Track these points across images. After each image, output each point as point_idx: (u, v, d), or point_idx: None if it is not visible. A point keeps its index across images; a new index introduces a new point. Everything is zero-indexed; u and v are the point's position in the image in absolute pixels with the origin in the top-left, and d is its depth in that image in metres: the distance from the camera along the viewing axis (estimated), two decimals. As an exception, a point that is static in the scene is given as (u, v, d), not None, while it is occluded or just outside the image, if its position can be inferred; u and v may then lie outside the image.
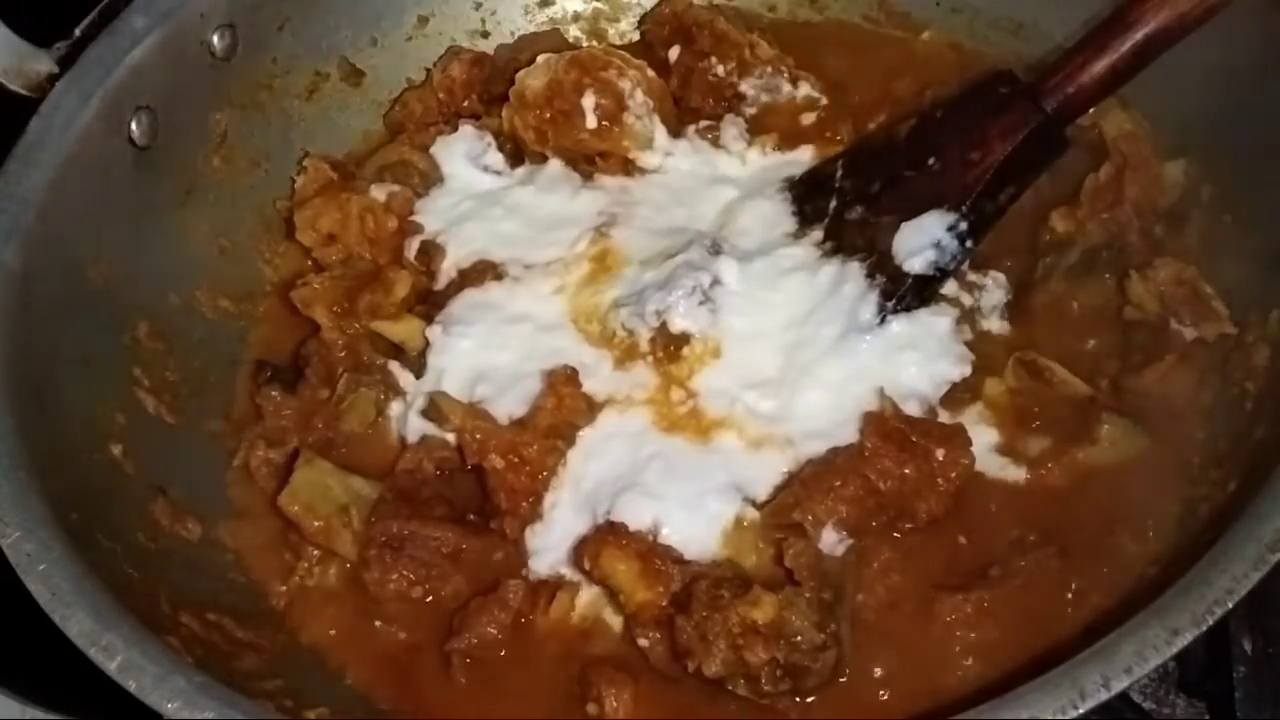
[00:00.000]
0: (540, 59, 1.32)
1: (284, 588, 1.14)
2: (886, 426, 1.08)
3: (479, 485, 1.15)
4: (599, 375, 1.18)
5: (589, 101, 1.31)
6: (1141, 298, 1.15)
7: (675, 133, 1.34)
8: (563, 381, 1.15)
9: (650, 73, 1.34)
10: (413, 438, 1.19)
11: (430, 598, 1.12)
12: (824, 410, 1.13)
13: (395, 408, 1.21)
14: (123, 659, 0.87)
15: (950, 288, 1.19)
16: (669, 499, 1.10)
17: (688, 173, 1.32)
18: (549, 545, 1.12)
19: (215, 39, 1.26)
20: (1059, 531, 1.07)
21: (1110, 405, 1.12)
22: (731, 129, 1.34)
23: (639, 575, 1.06)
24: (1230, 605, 0.83)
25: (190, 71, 1.25)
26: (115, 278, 1.18)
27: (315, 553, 1.14)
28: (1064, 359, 1.14)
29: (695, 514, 1.09)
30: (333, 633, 1.12)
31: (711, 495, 1.10)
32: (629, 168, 1.33)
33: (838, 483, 1.07)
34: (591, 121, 1.31)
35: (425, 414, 1.18)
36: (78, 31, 1.22)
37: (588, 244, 1.26)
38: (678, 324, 1.17)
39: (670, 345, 1.18)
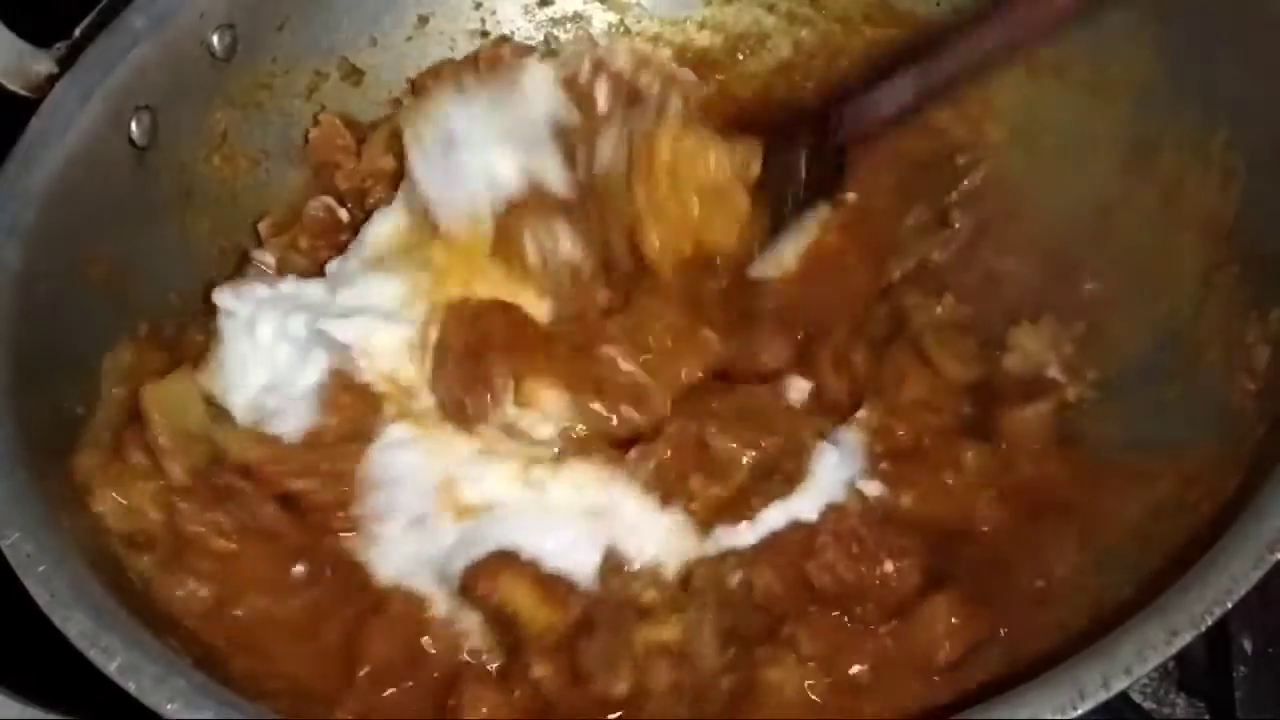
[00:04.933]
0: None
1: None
2: (844, 525, 1.06)
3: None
4: None
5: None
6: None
7: None
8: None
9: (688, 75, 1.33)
10: None
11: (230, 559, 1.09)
12: None
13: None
14: (122, 660, 0.87)
15: None
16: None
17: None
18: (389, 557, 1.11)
19: (215, 39, 1.26)
20: None
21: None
22: None
23: (541, 600, 1.04)
24: (1230, 605, 0.83)
25: (190, 71, 1.25)
26: (115, 278, 1.18)
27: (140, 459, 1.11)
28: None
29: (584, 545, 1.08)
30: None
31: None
32: None
33: (780, 560, 1.06)
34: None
35: None
36: (77, 32, 1.22)
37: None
38: None
39: None
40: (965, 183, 1.29)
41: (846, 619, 1.04)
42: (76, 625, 0.89)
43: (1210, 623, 0.82)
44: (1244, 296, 1.09)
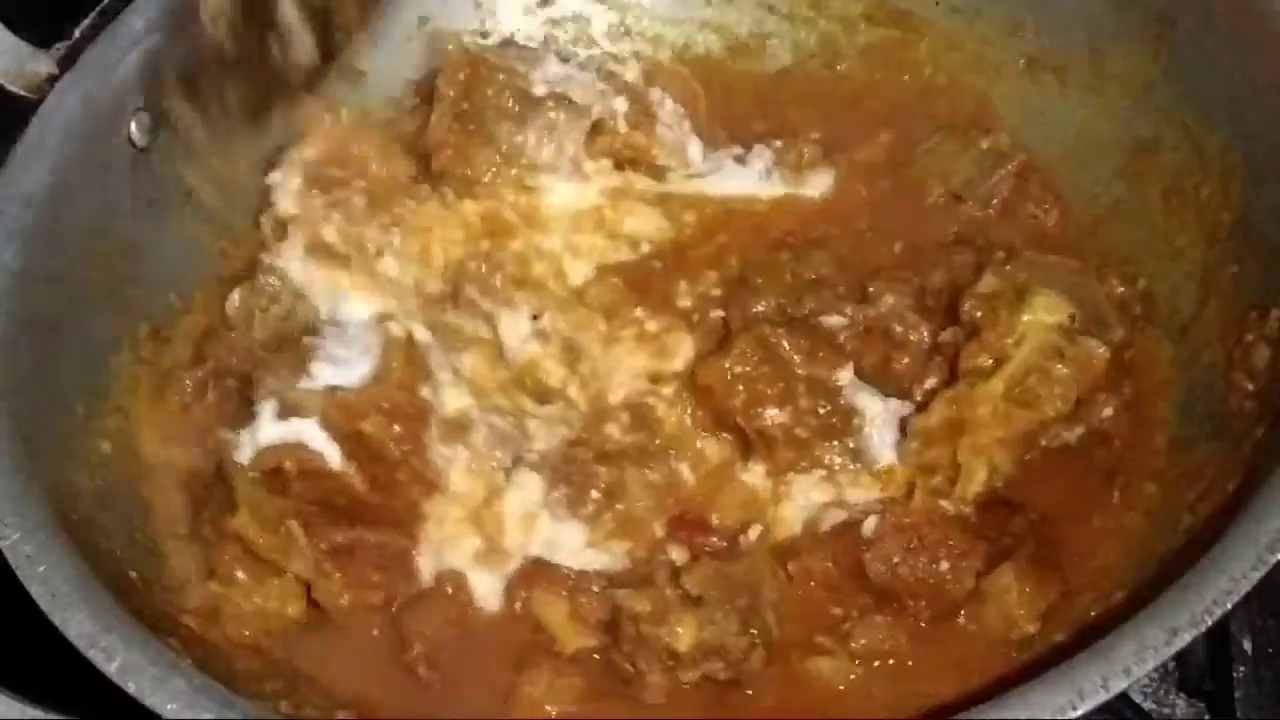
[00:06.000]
0: None
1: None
2: (905, 519, 1.07)
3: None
4: None
5: (620, 105, 1.32)
6: None
7: (713, 146, 1.35)
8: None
9: (691, 81, 1.34)
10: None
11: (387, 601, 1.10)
12: None
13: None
14: (122, 660, 0.87)
15: None
16: None
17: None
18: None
19: (215, 39, 1.26)
20: None
21: None
22: (758, 160, 1.35)
23: (568, 618, 1.06)
24: (1229, 605, 0.83)
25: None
26: (115, 278, 1.18)
27: (244, 577, 1.09)
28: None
29: None
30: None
31: None
32: (659, 174, 1.33)
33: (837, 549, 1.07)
34: (622, 126, 1.32)
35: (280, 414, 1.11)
36: (77, 33, 1.22)
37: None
38: None
39: None
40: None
41: (897, 612, 1.06)
42: (76, 626, 0.89)
43: (1210, 623, 0.82)
44: (1243, 297, 1.10)
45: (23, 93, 1.18)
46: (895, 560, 1.05)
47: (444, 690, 1.07)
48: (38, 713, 0.98)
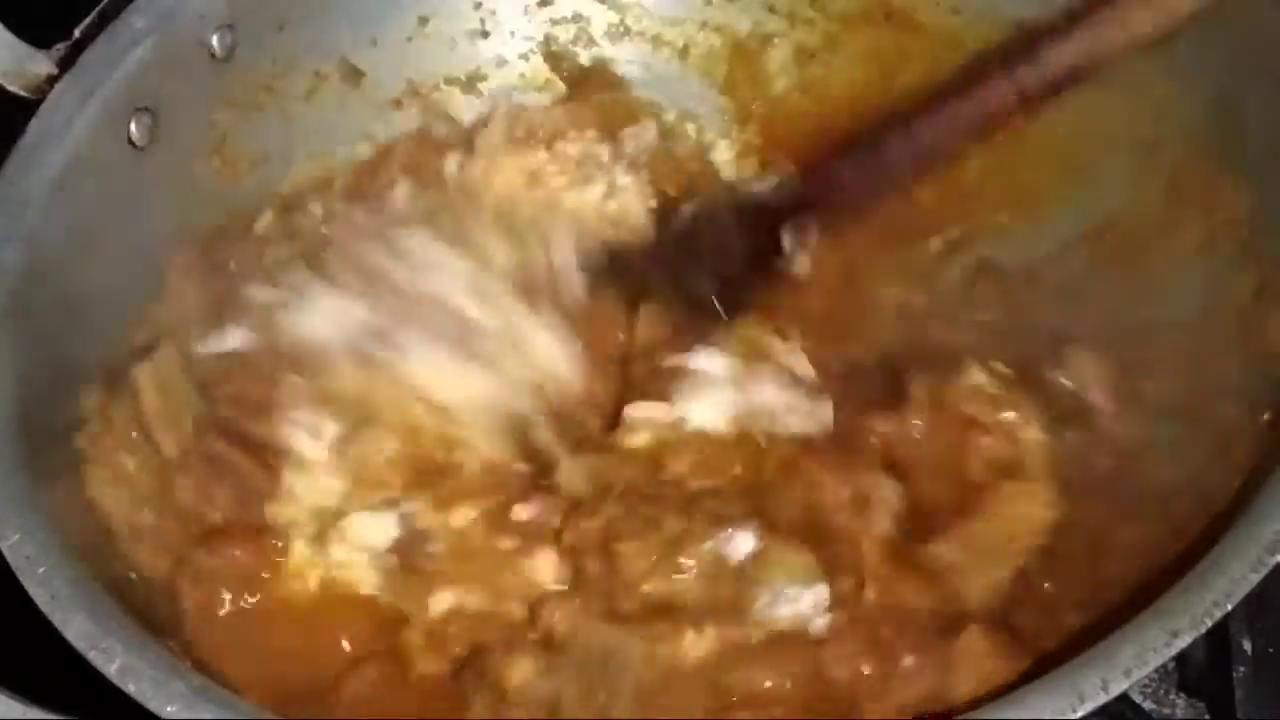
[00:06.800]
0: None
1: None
2: (860, 611, 1.01)
3: None
4: None
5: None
6: None
7: None
8: None
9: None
10: None
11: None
12: None
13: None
14: (122, 662, 0.87)
15: None
16: None
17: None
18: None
19: (215, 40, 1.26)
20: None
21: None
22: None
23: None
24: (1230, 607, 0.83)
25: (190, 72, 1.25)
26: (115, 279, 1.18)
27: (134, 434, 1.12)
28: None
29: None
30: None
31: None
32: None
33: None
34: None
35: None
36: (77, 33, 1.21)
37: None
38: None
39: None
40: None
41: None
42: (76, 627, 0.89)
43: (1210, 624, 0.82)
44: (1246, 298, 1.09)
45: (23, 93, 1.18)
46: (857, 660, 0.98)
47: None
48: (38, 713, 0.98)
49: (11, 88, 1.18)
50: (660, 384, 1.15)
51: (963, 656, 0.96)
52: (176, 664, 0.89)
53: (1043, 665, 0.87)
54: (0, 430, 1.00)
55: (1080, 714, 0.80)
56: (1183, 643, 0.82)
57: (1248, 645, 1.07)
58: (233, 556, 1.10)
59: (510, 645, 1.01)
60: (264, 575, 1.10)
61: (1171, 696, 1.12)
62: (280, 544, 1.12)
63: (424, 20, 1.43)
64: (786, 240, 1.19)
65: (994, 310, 1.22)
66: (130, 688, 0.86)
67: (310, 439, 1.14)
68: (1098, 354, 1.12)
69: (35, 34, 1.20)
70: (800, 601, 1.01)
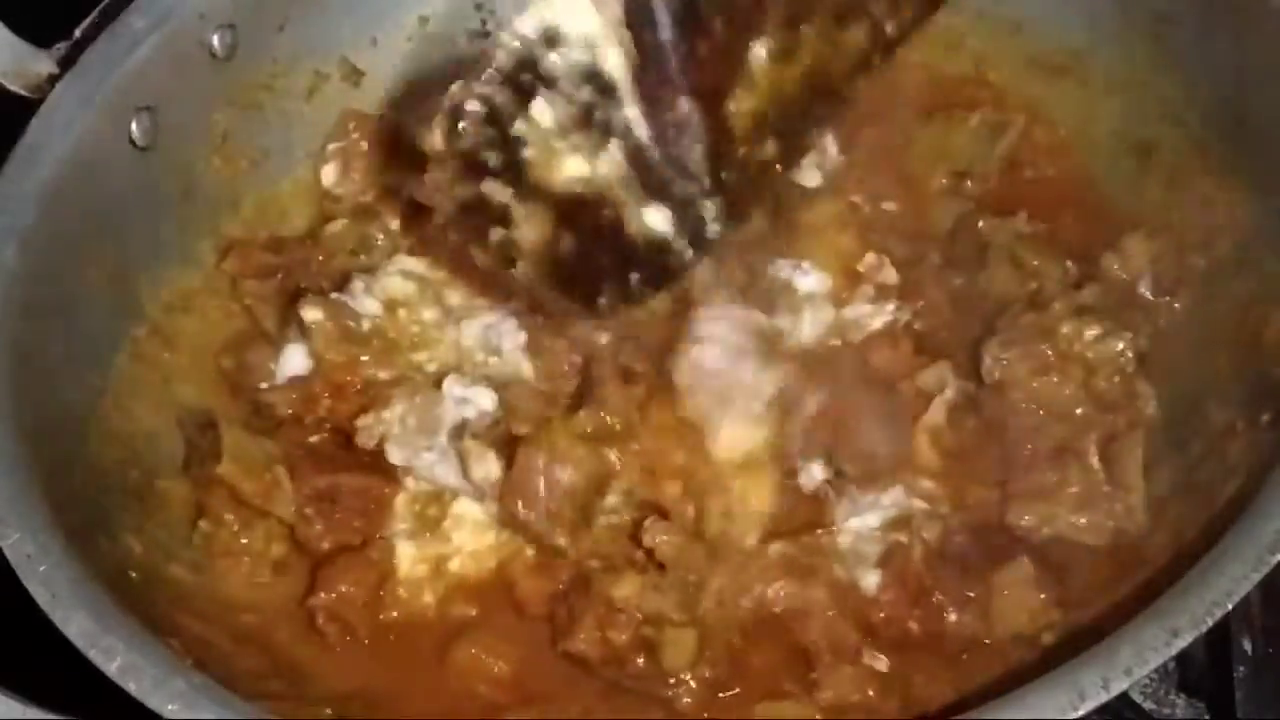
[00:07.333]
0: None
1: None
2: (907, 571, 1.06)
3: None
4: None
5: None
6: None
7: None
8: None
9: None
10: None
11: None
12: None
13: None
14: (122, 661, 0.87)
15: None
16: None
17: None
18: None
19: (215, 39, 1.26)
20: None
21: None
22: None
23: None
24: (1230, 606, 0.83)
25: (191, 72, 1.25)
26: (115, 278, 1.18)
27: (231, 518, 1.13)
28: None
29: None
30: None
31: None
32: None
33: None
34: None
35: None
36: (77, 32, 1.22)
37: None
38: None
39: None
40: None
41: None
42: (77, 625, 0.89)
43: (1210, 624, 0.82)
44: (1245, 299, 1.10)
45: (23, 93, 1.18)
46: (900, 611, 1.04)
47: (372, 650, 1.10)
48: (38, 713, 0.98)
49: (12, 87, 1.18)
50: (761, 297, 1.19)
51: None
52: (177, 662, 0.89)
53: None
54: (0, 430, 1.00)
55: (1081, 713, 0.80)
56: (1183, 642, 0.82)
57: (1248, 645, 1.07)
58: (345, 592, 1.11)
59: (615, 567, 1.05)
60: (380, 594, 1.12)
61: (1171, 696, 1.12)
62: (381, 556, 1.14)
63: (424, 20, 1.43)
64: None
65: None
66: (131, 686, 0.86)
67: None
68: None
69: (36, 34, 1.20)
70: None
